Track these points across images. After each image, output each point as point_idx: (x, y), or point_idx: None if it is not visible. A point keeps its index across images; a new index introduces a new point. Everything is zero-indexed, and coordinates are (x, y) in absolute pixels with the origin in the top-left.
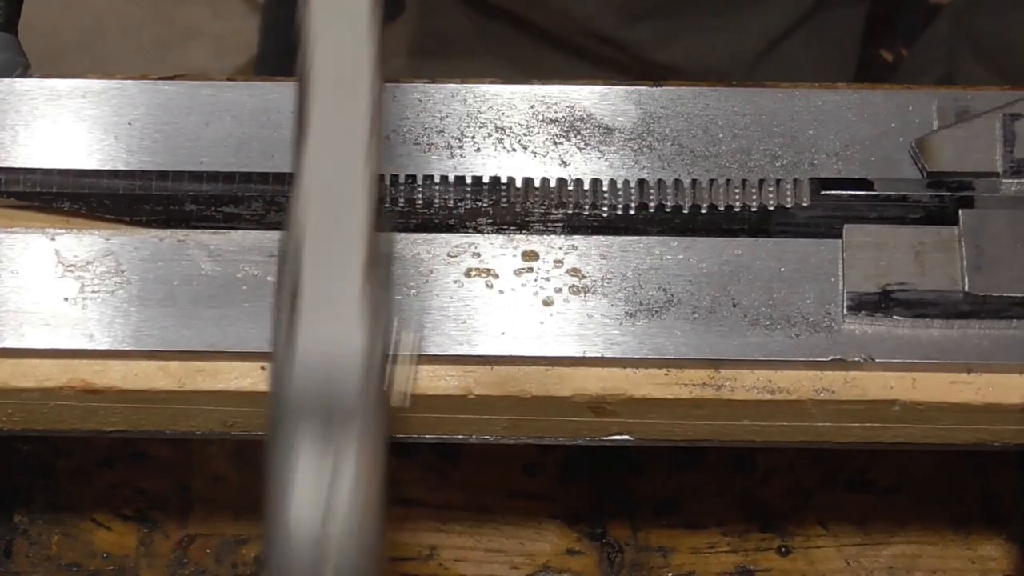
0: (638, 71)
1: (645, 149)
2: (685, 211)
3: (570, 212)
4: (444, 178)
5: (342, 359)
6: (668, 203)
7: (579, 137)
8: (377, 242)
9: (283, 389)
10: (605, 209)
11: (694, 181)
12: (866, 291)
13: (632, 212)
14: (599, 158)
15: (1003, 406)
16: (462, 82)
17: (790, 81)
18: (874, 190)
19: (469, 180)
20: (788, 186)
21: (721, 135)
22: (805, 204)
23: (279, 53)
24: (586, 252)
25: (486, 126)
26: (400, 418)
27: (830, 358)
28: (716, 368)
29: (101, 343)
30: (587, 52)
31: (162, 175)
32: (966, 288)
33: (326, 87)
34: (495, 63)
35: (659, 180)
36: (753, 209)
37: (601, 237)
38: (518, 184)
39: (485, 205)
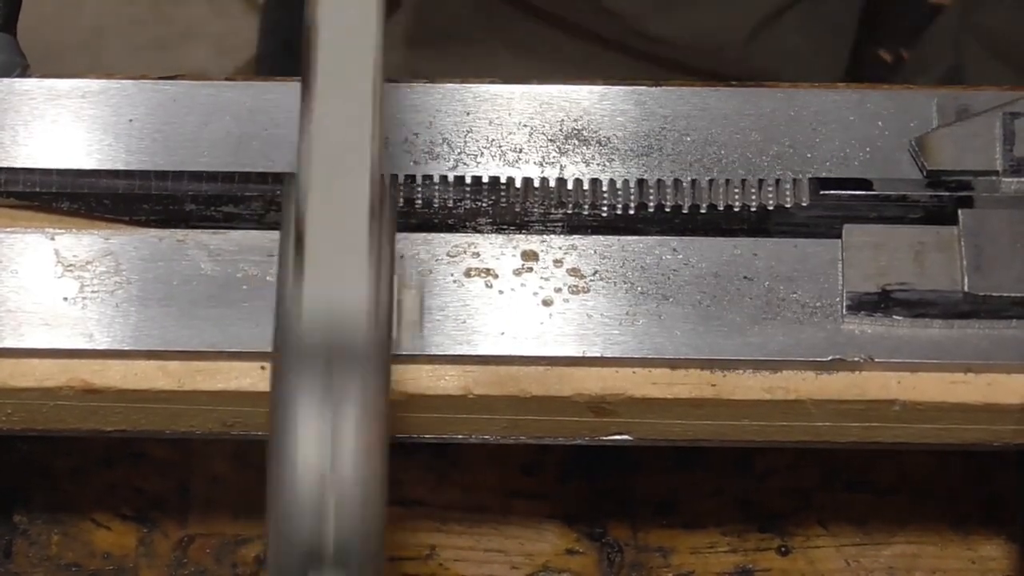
0: (638, 46)
1: (644, 149)
2: (685, 211)
3: (570, 212)
4: (444, 178)
5: (347, 307)
6: (668, 203)
7: (578, 137)
8: (382, 188)
9: (288, 335)
10: (605, 209)
11: (693, 181)
12: (866, 291)
13: (632, 212)
14: (599, 158)
15: (1003, 406)
16: (461, 82)
17: (785, 61)
18: (873, 190)
19: (468, 180)
20: (787, 186)
21: (721, 134)
22: (804, 204)
23: (279, 53)
24: (586, 252)
25: (485, 126)
26: (401, 418)
27: (830, 358)
28: (716, 368)
29: (101, 343)
30: (587, 29)
31: (161, 175)
32: (966, 288)
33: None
34: (494, 46)
35: (658, 180)
36: (752, 209)
37: (601, 237)
38: (517, 184)
39: (485, 205)
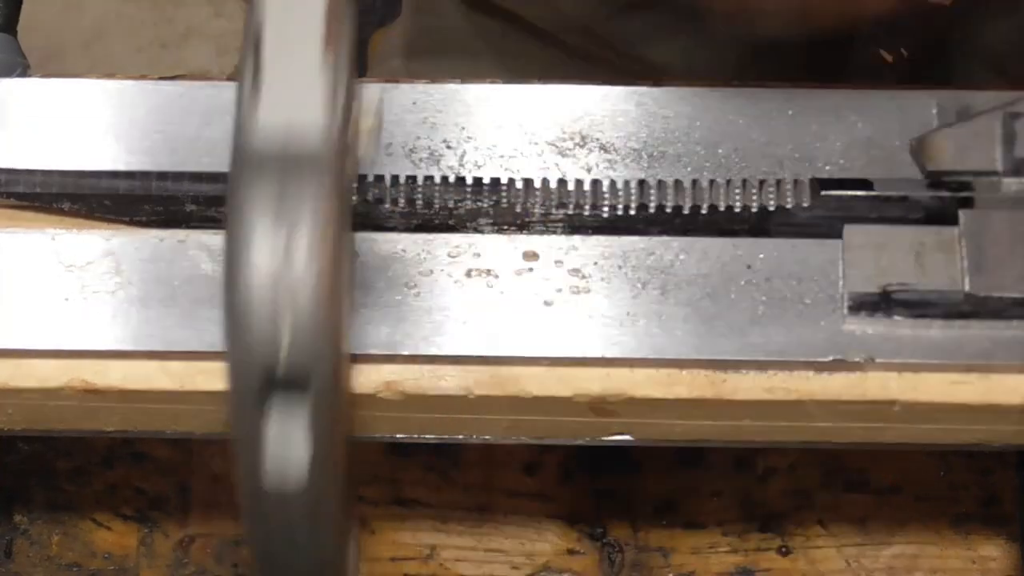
0: (629, 70)
1: (645, 149)
2: (685, 211)
3: (570, 212)
4: (444, 178)
5: (303, 117)
6: (668, 203)
7: (579, 137)
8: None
9: (243, 146)
10: (605, 209)
11: (694, 181)
12: (866, 291)
13: (632, 212)
14: (599, 158)
15: (1003, 406)
16: (462, 82)
17: (784, 83)
18: (874, 190)
19: (469, 180)
20: (788, 186)
21: (721, 135)
22: (805, 204)
23: None
24: (586, 252)
25: (486, 126)
26: (397, 417)
27: (830, 358)
28: (716, 368)
29: (102, 343)
30: (581, 48)
31: (162, 176)
32: (967, 288)
33: None
34: (491, 60)
35: (659, 180)
36: (753, 209)
37: (601, 237)
38: (518, 184)
39: (485, 205)
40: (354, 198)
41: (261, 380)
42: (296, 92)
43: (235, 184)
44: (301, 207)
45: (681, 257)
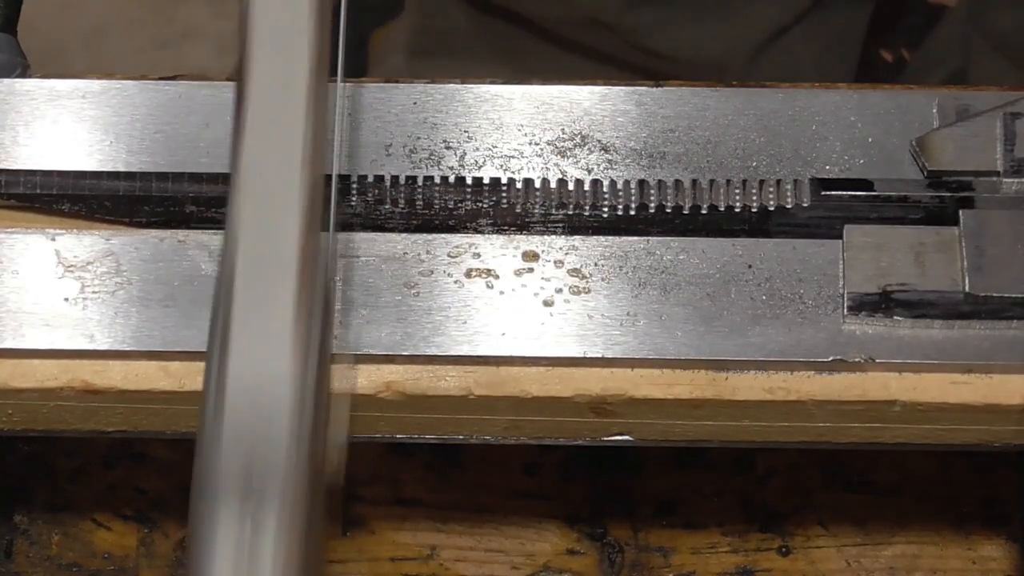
0: (638, 62)
1: (645, 149)
2: (685, 211)
3: (570, 213)
4: (444, 179)
5: (268, 420)
6: (668, 203)
7: (579, 138)
8: (313, 268)
9: (207, 448)
10: (605, 209)
11: (694, 181)
12: (867, 291)
13: (632, 212)
14: (599, 158)
15: (1003, 406)
16: (462, 82)
17: (789, 77)
18: (874, 190)
19: (469, 181)
20: (788, 186)
21: (721, 135)
22: (805, 204)
23: None
24: (586, 253)
25: (486, 127)
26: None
27: (830, 358)
28: (716, 368)
29: (101, 343)
30: (586, 45)
31: (162, 176)
32: (966, 288)
33: (264, 90)
34: (495, 60)
35: (659, 180)
36: (753, 209)
37: (601, 237)
38: (518, 184)
39: (485, 206)
40: (354, 199)
41: None
42: (264, 392)
43: (198, 487)
44: (262, 529)
45: (681, 257)
